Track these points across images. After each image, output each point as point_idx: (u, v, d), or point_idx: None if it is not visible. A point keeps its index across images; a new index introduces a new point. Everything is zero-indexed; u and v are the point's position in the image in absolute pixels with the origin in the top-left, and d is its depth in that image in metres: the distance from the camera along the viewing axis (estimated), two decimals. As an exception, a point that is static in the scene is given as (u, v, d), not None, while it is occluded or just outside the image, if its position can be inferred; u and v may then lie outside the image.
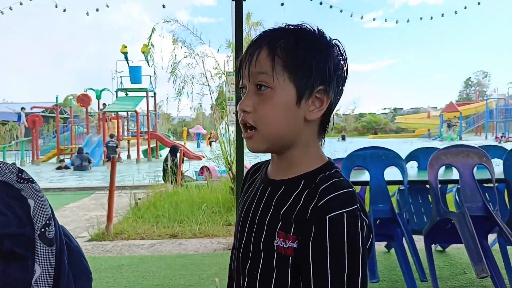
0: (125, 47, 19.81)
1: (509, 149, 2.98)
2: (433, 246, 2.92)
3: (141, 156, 19.46)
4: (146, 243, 4.31)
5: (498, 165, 2.85)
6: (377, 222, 2.61)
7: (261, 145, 0.77)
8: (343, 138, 36.61)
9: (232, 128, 7.28)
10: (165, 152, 18.68)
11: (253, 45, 0.77)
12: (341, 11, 6.23)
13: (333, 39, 0.78)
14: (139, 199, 6.14)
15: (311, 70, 0.74)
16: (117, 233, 4.64)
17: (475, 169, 2.65)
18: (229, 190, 5.84)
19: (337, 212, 0.68)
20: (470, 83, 67.86)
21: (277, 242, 0.74)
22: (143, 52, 18.07)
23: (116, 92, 20.68)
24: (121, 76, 20.44)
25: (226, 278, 0.93)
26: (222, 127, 8.41)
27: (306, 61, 0.73)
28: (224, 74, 7.08)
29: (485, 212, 2.49)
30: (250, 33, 7.03)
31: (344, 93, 0.82)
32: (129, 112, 21.02)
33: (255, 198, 0.83)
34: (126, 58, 20.11)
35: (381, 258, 3.38)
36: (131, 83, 20.36)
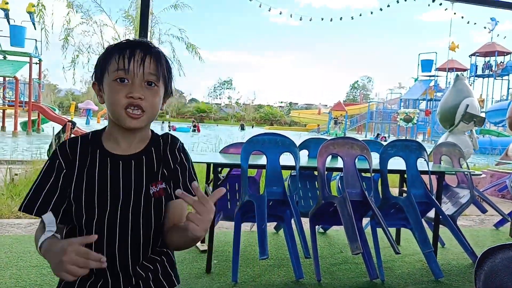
0: (6, 3, 17.30)
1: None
2: (316, 227, 3.19)
3: (19, 128, 17.38)
4: (23, 223, 3.90)
5: (375, 158, 3.22)
6: (270, 204, 2.76)
7: (143, 123, 1.07)
8: (242, 128, 37.68)
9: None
10: (47, 126, 16.97)
11: (138, 49, 1.05)
12: (250, 0, 6.34)
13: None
14: (15, 174, 5.50)
15: (170, 77, 1.13)
16: (-13, 211, 4.12)
17: (356, 159, 2.97)
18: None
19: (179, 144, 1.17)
20: (356, 86, 74.81)
21: (152, 190, 1.08)
22: (29, 12, 16.06)
23: (-8, 53, 18.02)
24: (-1, 36, 17.83)
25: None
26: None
27: (169, 70, 1.11)
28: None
29: (362, 198, 2.81)
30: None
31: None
32: (7, 78, 18.48)
33: (107, 173, 1.08)
34: (6, 16, 17.59)
35: (270, 238, 3.60)
36: (11, 45, 17.88)
